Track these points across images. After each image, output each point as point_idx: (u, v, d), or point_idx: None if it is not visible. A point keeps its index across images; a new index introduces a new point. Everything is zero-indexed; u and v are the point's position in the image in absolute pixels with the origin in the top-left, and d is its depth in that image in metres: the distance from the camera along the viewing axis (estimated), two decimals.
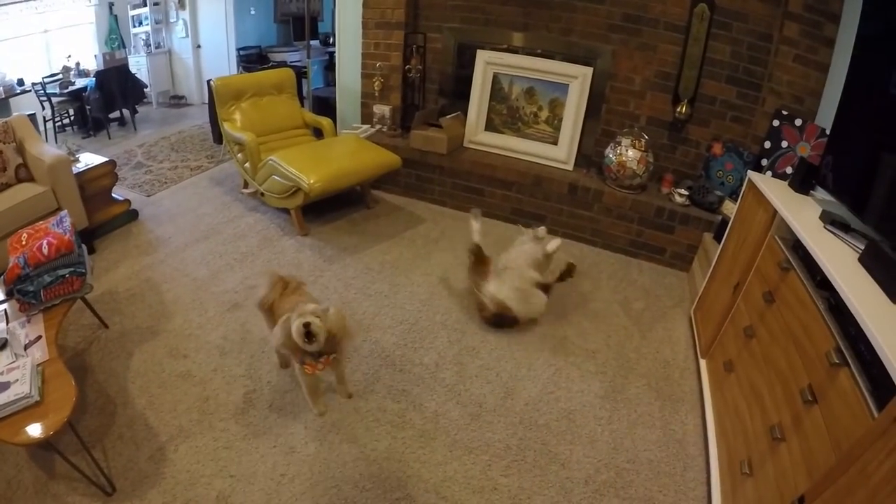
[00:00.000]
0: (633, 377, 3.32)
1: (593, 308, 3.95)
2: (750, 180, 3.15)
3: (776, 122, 4.01)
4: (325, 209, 5.09)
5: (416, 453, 2.71)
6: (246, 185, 5.42)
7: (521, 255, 3.66)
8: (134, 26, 9.16)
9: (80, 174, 4.37)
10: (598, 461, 2.74)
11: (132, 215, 4.92)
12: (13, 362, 2.41)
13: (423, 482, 2.57)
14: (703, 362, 3.28)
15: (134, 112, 8.23)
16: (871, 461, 1.49)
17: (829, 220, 2.41)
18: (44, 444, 2.31)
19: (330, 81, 8.69)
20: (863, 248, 2.12)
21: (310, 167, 4.40)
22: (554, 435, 2.87)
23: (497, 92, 5.22)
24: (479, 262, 3.79)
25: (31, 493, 2.44)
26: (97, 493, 2.43)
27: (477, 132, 5.33)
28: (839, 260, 2.08)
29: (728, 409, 2.67)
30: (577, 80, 4.78)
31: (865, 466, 1.51)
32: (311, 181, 4.25)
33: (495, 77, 5.17)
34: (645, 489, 2.61)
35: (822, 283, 2.10)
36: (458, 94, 5.49)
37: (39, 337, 2.66)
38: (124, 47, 8.98)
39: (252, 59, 9.34)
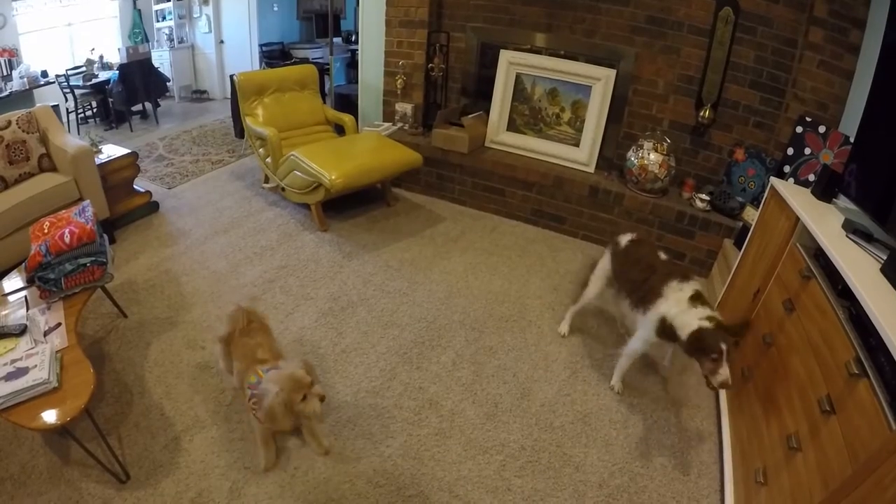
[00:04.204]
0: (650, 382, 3.31)
1: (612, 311, 3.93)
2: (772, 187, 3.13)
3: (799, 129, 3.97)
4: (345, 206, 5.10)
5: (430, 451, 2.72)
6: (267, 180, 5.45)
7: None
8: (157, 21, 9.26)
9: (102, 165, 4.41)
10: (612, 465, 2.73)
11: (153, 207, 4.96)
12: (32, 348, 2.44)
13: (437, 480, 2.58)
14: None
15: (156, 105, 8.30)
16: (888, 474, 1.49)
17: (851, 228, 2.39)
18: (60, 430, 2.33)
19: (352, 79, 8.74)
20: (885, 258, 2.10)
21: (331, 163, 4.42)
22: (569, 437, 2.87)
23: (519, 92, 5.21)
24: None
25: (46, 478, 2.47)
26: (111, 481, 2.45)
27: (499, 132, 5.33)
28: (861, 269, 2.07)
29: (744, 416, 2.66)
30: (600, 82, 4.76)
31: (882, 479, 1.51)
32: (333, 177, 4.26)
33: (518, 77, 5.16)
34: (658, 495, 2.60)
35: (844, 293, 2.08)
36: (481, 93, 5.49)
37: (59, 324, 2.68)
38: (147, 41, 9.06)
39: (274, 55, 9.40)
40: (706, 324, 2.51)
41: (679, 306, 2.71)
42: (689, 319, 2.58)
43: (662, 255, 3.19)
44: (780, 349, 2.47)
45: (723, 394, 3.04)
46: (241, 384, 2.61)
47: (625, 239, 3.34)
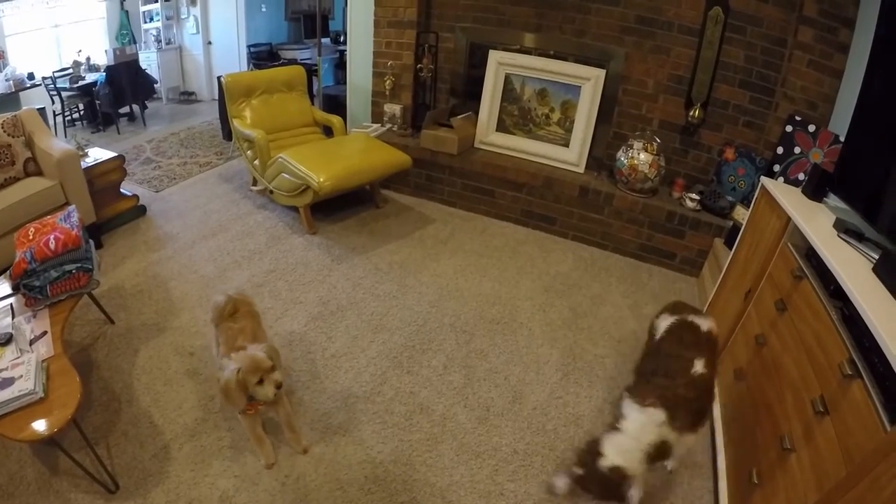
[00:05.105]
0: None
1: (603, 312, 3.92)
2: (763, 186, 3.12)
3: (789, 128, 3.98)
4: (333, 208, 5.08)
5: (422, 457, 2.70)
6: (255, 183, 5.42)
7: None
8: (145, 22, 9.18)
9: (88, 169, 4.37)
10: None
11: (140, 211, 4.92)
12: (18, 358, 2.40)
13: (430, 486, 2.56)
14: None
15: (143, 107, 8.25)
16: (883, 475, 1.48)
17: (842, 228, 2.38)
18: (47, 441, 2.30)
19: (340, 80, 8.71)
20: (877, 257, 2.09)
21: (319, 165, 4.39)
22: (562, 440, 2.85)
23: (509, 93, 5.20)
24: None
25: (34, 489, 2.44)
26: (100, 491, 2.42)
27: (488, 133, 5.31)
28: (853, 269, 2.06)
29: (737, 417, 2.65)
30: (590, 82, 4.75)
31: (877, 480, 1.50)
32: (321, 179, 4.24)
33: (507, 78, 5.15)
34: (652, 496, 2.58)
35: (836, 293, 2.08)
36: (470, 94, 5.48)
37: (45, 332, 2.65)
38: (135, 43, 9.01)
39: (262, 56, 9.37)
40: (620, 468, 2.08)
41: (634, 427, 2.20)
42: (625, 449, 2.14)
43: (698, 366, 2.41)
44: (772, 349, 2.46)
45: (715, 394, 3.03)
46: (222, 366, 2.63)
47: (664, 323, 2.76)
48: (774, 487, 2.06)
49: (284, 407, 2.65)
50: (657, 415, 2.19)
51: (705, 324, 2.61)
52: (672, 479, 2.67)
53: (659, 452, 2.15)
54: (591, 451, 2.17)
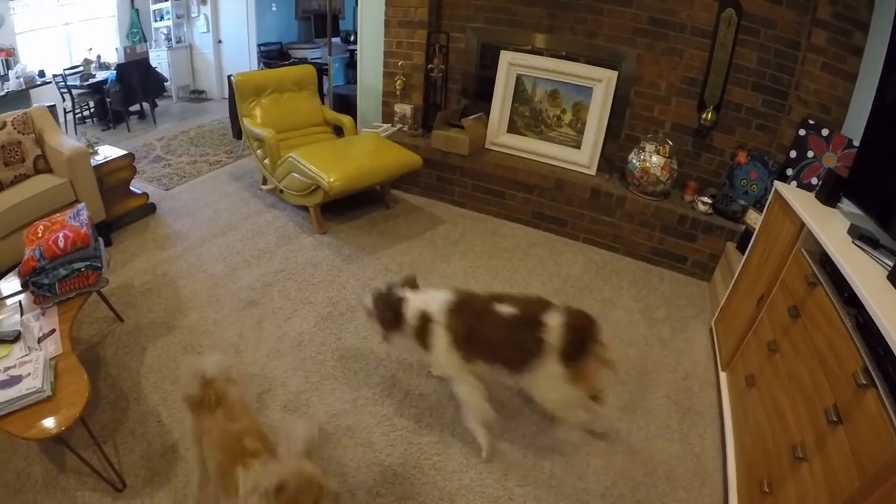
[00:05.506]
0: (653, 388, 3.27)
1: (614, 316, 3.89)
2: (776, 191, 3.10)
3: (802, 132, 3.95)
4: (343, 208, 5.07)
5: (431, 460, 2.68)
6: (265, 182, 5.42)
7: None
8: (155, 20, 9.22)
9: (98, 166, 4.38)
10: (614, 473, 2.69)
11: (150, 209, 4.92)
12: (26, 355, 2.41)
13: (439, 490, 2.54)
14: (723, 375, 3.22)
15: (154, 106, 8.26)
16: None
17: (857, 234, 2.36)
18: (55, 439, 2.29)
19: (351, 79, 8.70)
20: (892, 265, 2.07)
21: (330, 165, 4.38)
22: (571, 445, 2.83)
23: (520, 94, 5.17)
24: None
25: (41, 486, 2.44)
26: (107, 489, 2.42)
27: (499, 134, 5.29)
28: (868, 276, 2.03)
29: (749, 424, 2.62)
30: (602, 83, 4.73)
31: (891, 492, 1.47)
32: (331, 179, 4.23)
33: (518, 78, 5.12)
34: (661, 503, 2.57)
35: (850, 300, 2.05)
36: (481, 94, 5.45)
37: (53, 330, 2.65)
38: (145, 41, 9.03)
39: (273, 55, 9.37)
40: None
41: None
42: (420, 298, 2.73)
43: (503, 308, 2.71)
44: (785, 356, 2.44)
45: (726, 402, 3.01)
46: (222, 484, 1.86)
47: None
48: (786, 497, 2.03)
49: None
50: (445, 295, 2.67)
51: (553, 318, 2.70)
52: (681, 486, 2.65)
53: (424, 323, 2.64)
54: (405, 283, 2.82)
